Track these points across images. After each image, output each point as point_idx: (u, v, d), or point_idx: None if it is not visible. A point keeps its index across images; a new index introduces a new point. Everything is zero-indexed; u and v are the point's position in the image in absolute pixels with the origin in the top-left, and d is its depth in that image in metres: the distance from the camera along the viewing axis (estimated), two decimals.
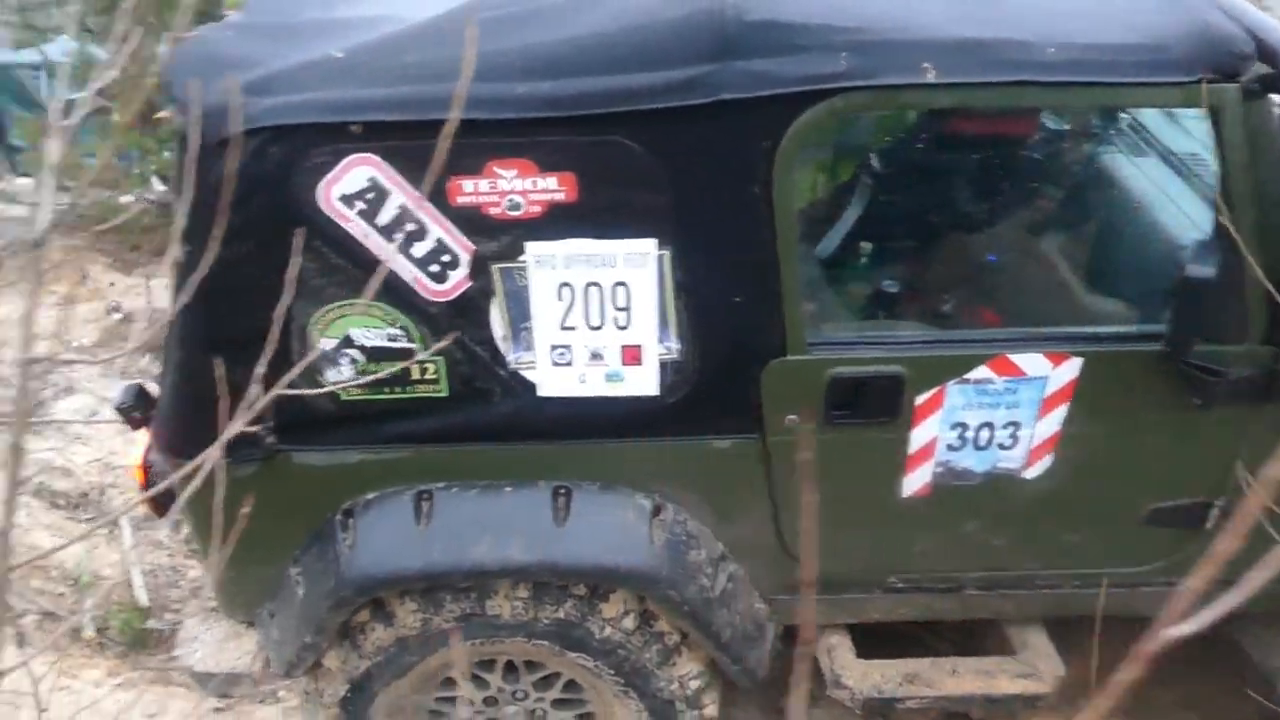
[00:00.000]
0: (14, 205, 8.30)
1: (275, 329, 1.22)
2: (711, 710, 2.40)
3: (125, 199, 8.11)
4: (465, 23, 1.82)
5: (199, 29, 2.03)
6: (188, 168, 1.27)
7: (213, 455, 1.10)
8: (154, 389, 2.29)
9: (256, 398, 1.13)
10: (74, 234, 7.82)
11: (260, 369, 1.18)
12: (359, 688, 2.30)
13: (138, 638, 3.72)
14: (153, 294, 6.84)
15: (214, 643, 2.38)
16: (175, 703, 3.32)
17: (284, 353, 1.95)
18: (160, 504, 2.24)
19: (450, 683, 2.43)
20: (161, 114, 1.79)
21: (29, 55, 12.40)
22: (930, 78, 1.78)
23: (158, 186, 8.00)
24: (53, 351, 6.11)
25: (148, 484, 2.20)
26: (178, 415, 2.07)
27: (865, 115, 2.91)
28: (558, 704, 2.46)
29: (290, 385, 1.83)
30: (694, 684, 2.32)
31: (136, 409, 2.17)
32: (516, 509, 2.13)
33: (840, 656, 2.45)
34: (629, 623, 2.24)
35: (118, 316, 6.67)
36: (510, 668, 2.42)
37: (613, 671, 2.29)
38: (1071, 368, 2.05)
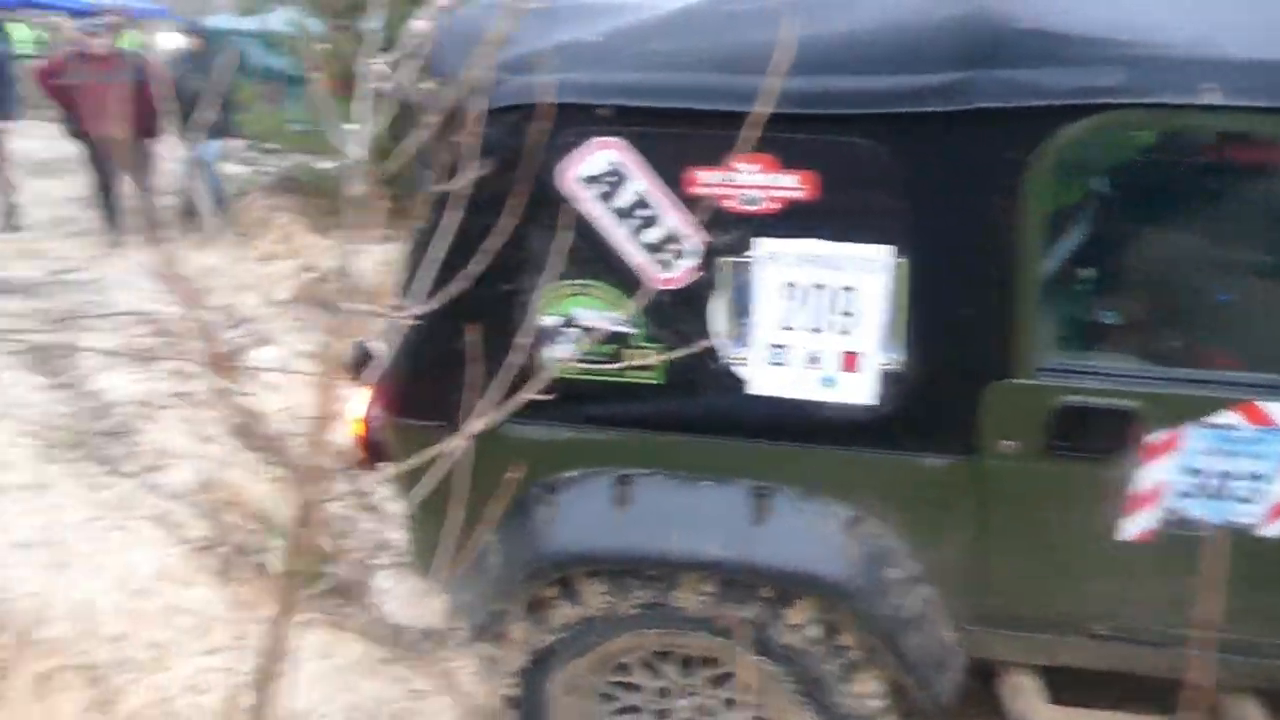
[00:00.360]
0: (225, 164, 8.85)
1: (534, 300, 1.24)
2: None
3: (324, 164, 8.56)
4: (717, 14, 1.81)
5: (458, 5, 2.09)
6: (469, 138, 1.30)
7: (471, 429, 1.13)
8: (375, 347, 2.39)
9: (526, 369, 1.15)
10: (273, 195, 8.31)
11: (525, 339, 1.20)
12: (539, 661, 2.33)
13: (315, 580, 3.91)
14: (345, 256, 7.18)
15: (406, 598, 2.47)
16: (345, 647, 3.48)
17: (505, 325, 2.00)
18: (371, 460, 2.34)
19: (624, 668, 2.44)
20: (425, 85, 1.84)
21: (250, 23, 13.27)
22: (1212, 99, 1.66)
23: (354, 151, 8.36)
24: (254, 304, 6.45)
25: (368, 439, 2.29)
26: (407, 377, 2.14)
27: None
28: (730, 703, 2.44)
29: (508, 359, 1.88)
30: (873, 704, 2.26)
31: (360, 366, 2.27)
32: (716, 504, 2.11)
33: (1028, 700, 2.33)
34: (813, 631, 2.19)
35: (312, 275, 7.05)
36: (686, 662, 2.41)
37: (791, 679, 2.25)
38: None
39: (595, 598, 2.22)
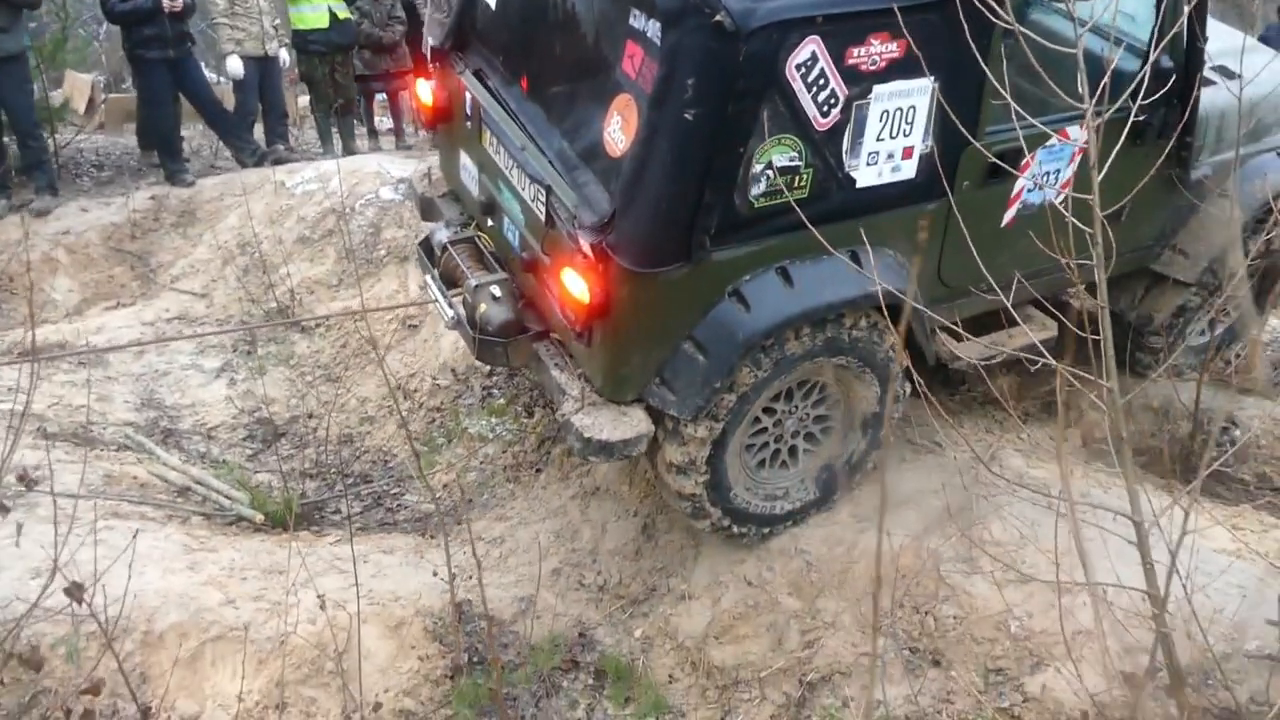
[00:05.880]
0: None
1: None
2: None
3: None
4: None
5: None
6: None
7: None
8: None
9: None
10: None
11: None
12: (719, 444, 3.34)
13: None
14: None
15: (608, 422, 3.24)
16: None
17: (732, 175, 2.92)
18: (598, 315, 3.06)
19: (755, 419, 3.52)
20: (716, 18, 2.61)
21: None
22: None
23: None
24: None
25: (598, 300, 3.00)
26: (653, 232, 2.92)
27: None
28: (814, 403, 3.66)
29: (732, 200, 2.85)
30: (893, 352, 3.58)
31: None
32: (837, 268, 3.26)
33: (949, 342, 3.87)
34: (864, 323, 3.47)
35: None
36: (787, 395, 3.56)
37: (857, 360, 3.51)
38: None
39: (746, 375, 3.26)
